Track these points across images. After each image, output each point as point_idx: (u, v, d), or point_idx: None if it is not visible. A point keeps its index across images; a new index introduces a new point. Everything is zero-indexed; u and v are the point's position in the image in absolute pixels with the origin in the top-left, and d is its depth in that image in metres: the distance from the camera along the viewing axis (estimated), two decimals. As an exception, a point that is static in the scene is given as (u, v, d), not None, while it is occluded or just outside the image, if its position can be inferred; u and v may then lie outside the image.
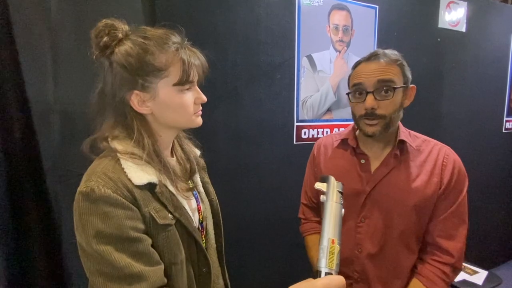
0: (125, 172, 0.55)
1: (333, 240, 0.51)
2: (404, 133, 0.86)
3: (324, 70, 1.58)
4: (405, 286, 0.85)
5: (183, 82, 0.58)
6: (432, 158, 0.83)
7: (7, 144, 0.96)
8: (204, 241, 0.73)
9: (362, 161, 0.87)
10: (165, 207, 0.58)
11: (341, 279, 0.47)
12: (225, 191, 1.38)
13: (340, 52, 1.61)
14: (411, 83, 0.83)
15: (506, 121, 2.30)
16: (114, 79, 0.57)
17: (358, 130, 0.88)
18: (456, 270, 0.82)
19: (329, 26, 1.57)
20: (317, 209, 1.02)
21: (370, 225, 0.85)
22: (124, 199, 0.53)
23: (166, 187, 0.60)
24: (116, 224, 0.51)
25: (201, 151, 0.79)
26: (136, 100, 0.58)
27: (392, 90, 0.77)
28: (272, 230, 1.55)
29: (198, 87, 0.64)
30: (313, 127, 1.60)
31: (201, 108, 0.65)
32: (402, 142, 0.84)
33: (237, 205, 1.47)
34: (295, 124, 1.55)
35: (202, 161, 0.80)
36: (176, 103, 0.59)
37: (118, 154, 0.56)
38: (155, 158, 0.59)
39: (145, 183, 0.56)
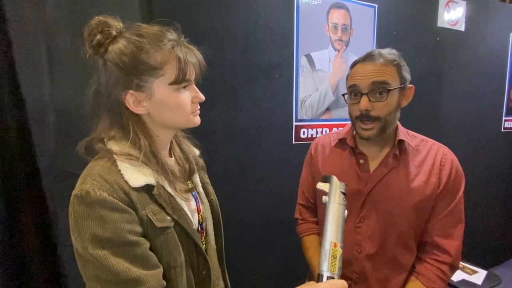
0: (122, 174, 0.53)
1: (335, 243, 0.51)
2: (403, 133, 0.86)
3: (323, 69, 1.57)
4: (404, 285, 0.85)
5: (179, 80, 0.56)
6: (431, 158, 0.83)
7: (2, 144, 0.95)
8: (204, 242, 0.72)
9: (361, 161, 0.87)
10: (163, 209, 0.57)
11: (343, 284, 0.46)
12: (223, 191, 1.37)
13: (339, 51, 1.60)
14: (411, 83, 0.82)
15: (505, 120, 2.30)
16: (109, 79, 0.55)
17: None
18: (454, 268, 0.83)
19: (328, 25, 1.56)
20: (314, 209, 1.02)
21: (369, 226, 0.84)
22: (120, 202, 0.51)
23: (164, 188, 0.59)
24: (113, 228, 0.50)
25: (200, 151, 0.78)
26: (131, 100, 0.56)
27: (386, 92, 0.77)
28: (272, 230, 1.55)
29: (196, 85, 0.63)
30: (312, 127, 1.59)
31: (199, 107, 0.64)
32: (401, 141, 0.84)
33: (236, 206, 1.46)
34: (294, 123, 1.54)
35: (201, 161, 0.79)
36: (173, 102, 0.58)
37: (114, 155, 0.55)
38: (152, 159, 0.58)
39: (142, 184, 0.54)
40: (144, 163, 0.56)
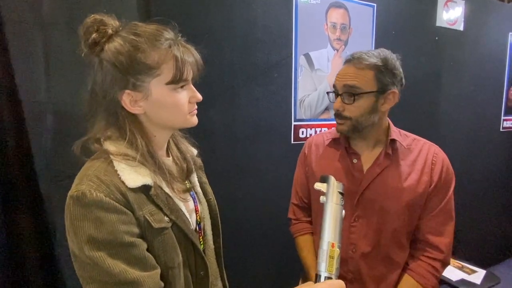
0: (118, 175, 0.53)
1: (333, 243, 0.51)
2: (395, 132, 0.88)
3: (322, 69, 1.57)
4: (398, 282, 0.87)
5: (176, 80, 0.56)
6: (422, 157, 0.85)
7: (-1, 145, 0.94)
8: (202, 243, 0.71)
9: (354, 160, 0.88)
10: (161, 209, 0.56)
11: (341, 284, 0.46)
12: (222, 191, 1.36)
13: (337, 50, 1.60)
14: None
15: (504, 119, 2.31)
16: (105, 78, 0.54)
17: None
18: (445, 264, 0.85)
19: (327, 25, 1.55)
20: (308, 209, 1.02)
21: (363, 225, 0.86)
22: (117, 203, 0.51)
23: (162, 188, 0.58)
24: (110, 229, 0.49)
25: (198, 150, 0.77)
26: (127, 100, 0.56)
27: (354, 95, 0.80)
28: (271, 230, 1.54)
29: (193, 85, 0.62)
30: (311, 126, 1.59)
31: (196, 107, 0.63)
32: (393, 141, 0.86)
33: (234, 205, 1.46)
34: (293, 123, 1.54)
35: (199, 161, 0.78)
36: (170, 102, 0.57)
37: (111, 156, 0.54)
38: (149, 159, 0.57)
39: (139, 185, 0.54)
40: (141, 163, 0.56)
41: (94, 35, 0.53)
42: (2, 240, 0.95)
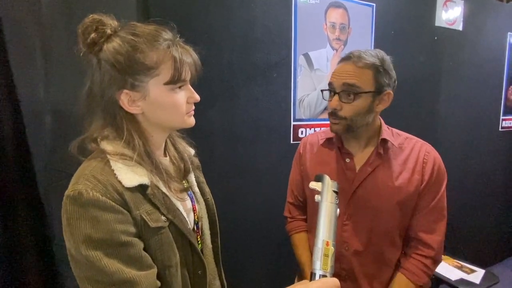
0: (115, 174, 0.53)
1: (327, 242, 0.51)
2: (387, 132, 0.88)
3: (321, 69, 1.57)
4: (390, 280, 0.88)
5: (174, 80, 0.56)
6: (414, 156, 0.86)
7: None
8: (199, 242, 0.71)
9: (347, 160, 0.89)
10: (158, 209, 0.57)
11: (335, 282, 0.46)
12: (221, 191, 1.37)
13: (337, 50, 1.60)
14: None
15: (503, 119, 2.31)
16: (103, 78, 0.55)
17: None
18: (436, 262, 0.86)
19: (326, 24, 1.55)
20: (303, 207, 1.04)
21: (356, 223, 0.87)
22: (113, 202, 0.51)
23: (158, 188, 0.58)
24: (106, 229, 0.49)
25: (195, 150, 0.78)
26: (126, 100, 0.56)
27: (354, 95, 0.79)
28: (270, 230, 1.54)
29: (191, 85, 0.62)
30: (310, 126, 1.59)
31: (193, 107, 0.63)
32: (385, 140, 0.86)
33: (233, 205, 1.46)
34: (292, 123, 1.54)
35: (196, 160, 0.78)
36: (168, 102, 0.57)
37: (108, 155, 0.55)
38: (146, 159, 0.57)
39: (136, 184, 0.54)
40: (138, 163, 0.56)
41: (92, 35, 0.53)
42: (0, 239, 0.95)
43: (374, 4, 1.66)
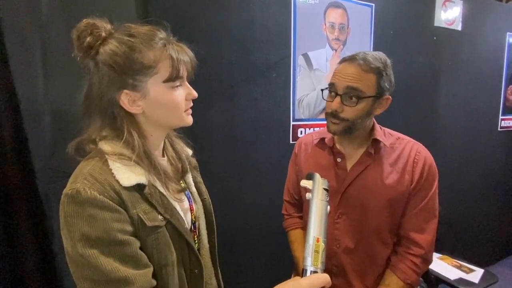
0: (113, 173, 0.53)
1: (318, 238, 0.52)
2: (379, 132, 0.89)
3: (320, 69, 1.58)
4: (381, 277, 0.90)
5: (173, 78, 0.57)
6: (405, 156, 0.87)
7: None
8: (196, 242, 0.72)
9: (339, 159, 0.91)
10: (155, 208, 0.57)
11: (325, 277, 0.47)
12: (220, 191, 1.37)
13: (336, 50, 1.61)
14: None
15: (502, 119, 2.31)
16: (101, 80, 0.55)
17: None
18: (426, 261, 0.87)
19: (325, 24, 1.56)
20: (299, 205, 1.06)
21: (347, 221, 0.89)
22: (111, 201, 0.51)
23: (156, 188, 0.59)
24: (103, 227, 0.50)
25: (193, 150, 0.78)
26: (126, 100, 0.57)
27: (357, 99, 0.79)
28: (268, 229, 1.54)
29: (190, 83, 0.63)
30: (309, 126, 1.59)
31: (191, 105, 0.64)
32: (376, 140, 0.87)
33: (232, 205, 1.46)
34: (291, 123, 1.54)
35: (194, 161, 0.79)
36: (168, 100, 0.58)
37: (106, 155, 0.55)
38: (144, 160, 0.58)
39: (134, 184, 0.54)
40: (136, 163, 0.57)
41: (88, 39, 0.54)
42: (0, 239, 0.95)
43: (373, 4, 1.66)
